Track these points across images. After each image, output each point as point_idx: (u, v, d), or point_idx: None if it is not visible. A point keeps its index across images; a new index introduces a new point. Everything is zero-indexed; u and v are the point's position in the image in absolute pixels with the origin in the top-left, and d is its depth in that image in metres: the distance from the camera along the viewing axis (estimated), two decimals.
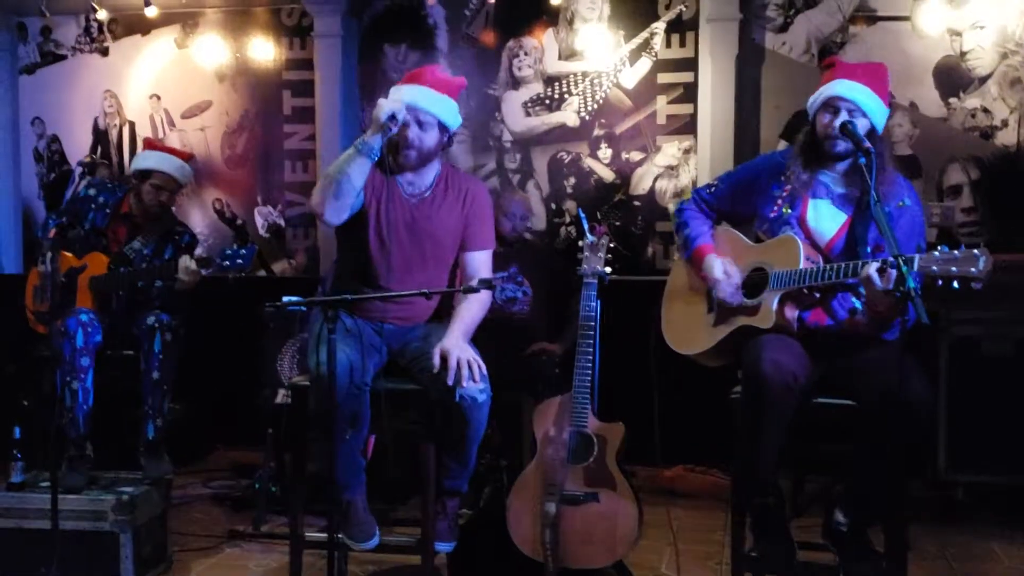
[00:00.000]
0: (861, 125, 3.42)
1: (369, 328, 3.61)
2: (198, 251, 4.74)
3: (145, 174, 4.69)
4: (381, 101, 3.48)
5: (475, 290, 3.36)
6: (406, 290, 3.59)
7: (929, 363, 4.59)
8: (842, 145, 3.42)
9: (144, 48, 6.31)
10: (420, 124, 3.60)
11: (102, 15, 5.93)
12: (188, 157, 4.93)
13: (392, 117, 3.44)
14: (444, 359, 3.40)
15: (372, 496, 3.68)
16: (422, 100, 3.59)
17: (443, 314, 3.79)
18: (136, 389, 4.44)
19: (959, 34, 5.31)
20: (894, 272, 3.10)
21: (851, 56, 5.35)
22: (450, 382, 3.37)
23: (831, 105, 3.44)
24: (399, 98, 3.52)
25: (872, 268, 3.16)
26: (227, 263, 4.24)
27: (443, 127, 3.65)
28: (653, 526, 4.16)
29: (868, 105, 3.44)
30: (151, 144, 5.04)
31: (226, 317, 5.65)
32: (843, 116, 3.41)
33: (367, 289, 3.62)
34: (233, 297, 5.78)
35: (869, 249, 3.40)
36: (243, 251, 4.30)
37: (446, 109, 3.63)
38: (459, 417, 3.48)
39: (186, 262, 4.36)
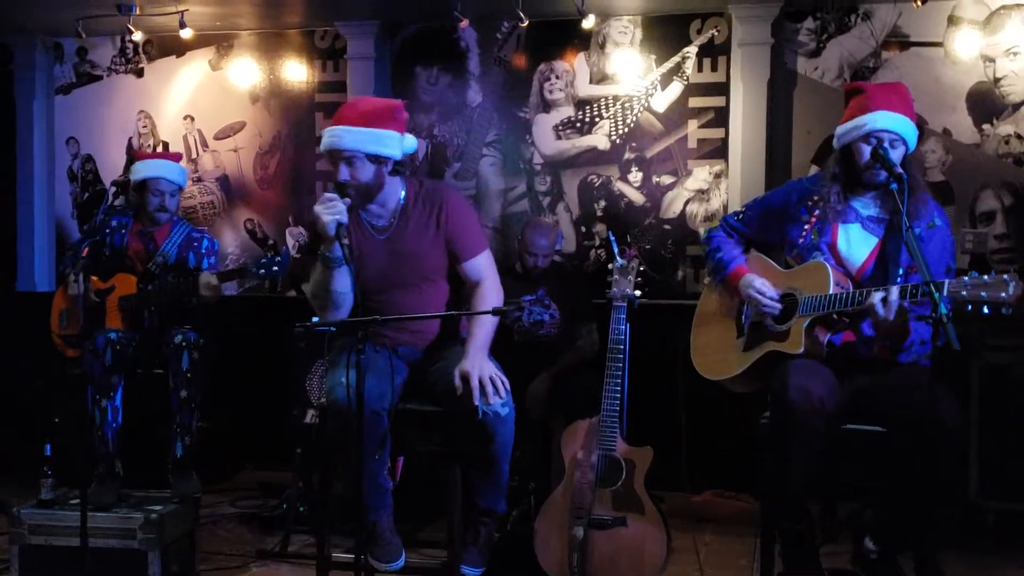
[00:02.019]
0: (899, 153, 3.42)
1: (387, 352, 3.60)
2: (230, 257, 4.82)
3: (141, 186, 4.77)
4: (316, 209, 3.42)
5: (502, 312, 3.36)
6: (414, 322, 3.60)
7: (960, 389, 4.55)
8: (883, 175, 3.40)
9: (179, 69, 6.37)
10: (348, 162, 3.53)
11: (138, 36, 5.99)
12: (177, 159, 5.01)
13: (339, 225, 3.37)
14: (465, 380, 3.40)
15: (398, 516, 3.68)
16: (342, 142, 3.51)
17: (452, 329, 3.77)
18: (165, 407, 4.47)
19: (992, 60, 5.28)
20: (896, 303, 3.11)
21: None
22: (476, 402, 3.36)
23: (875, 138, 3.43)
24: (329, 201, 3.42)
25: (876, 297, 3.16)
26: (262, 271, 4.31)
27: (376, 158, 3.54)
28: (681, 551, 4.14)
29: (908, 133, 3.44)
30: (139, 155, 5.14)
31: (256, 337, 5.69)
32: (884, 145, 3.40)
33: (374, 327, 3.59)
34: (263, 317, 5.84)
35: (901, 271, 3.39)
36: (278, 259, 4.38)
37: (372, 142, 3.51)
38: (485, 434, 3.46)
39: (206, 278, 4.43)
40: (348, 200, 3.45)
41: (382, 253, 3.66)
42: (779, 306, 3.50)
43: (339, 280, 3.48)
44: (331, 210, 3.39)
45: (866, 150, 3.43)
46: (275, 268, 4.39)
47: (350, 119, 3.54)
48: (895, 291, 3.15)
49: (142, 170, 4.82)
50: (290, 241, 6.25)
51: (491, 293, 3.66)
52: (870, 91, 3.54)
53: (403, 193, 3.69)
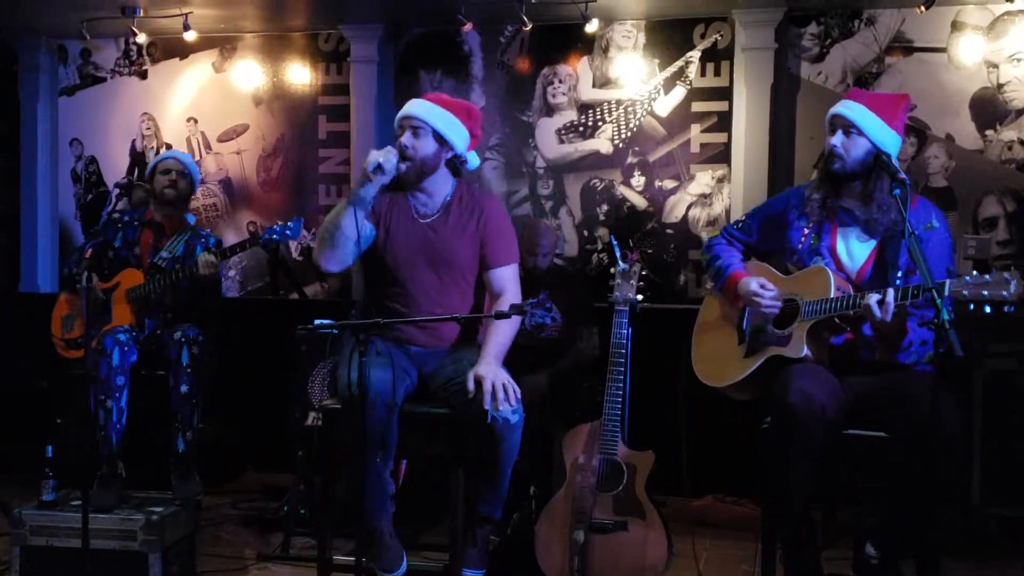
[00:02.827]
0: (859, 144, 3.43)
1: (398, 351, 3.63)
2: (232, 258, 4.89)
3: (152, 170, 4.83)
4: (371, 152, 3.56)
5: (507, 315, 3.37)
6: (429, 313, 3.62)
7: (963, 395, 4.54)
8: (839, 165, 3.43)
9: (182, 72, 6.38)
10: (413, 131, 3.66)
11: (142, 39, 5.99)
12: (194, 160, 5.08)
13: (378, 167, 3.50)
14: (479, 384, 3.41)
15: (400, 520, 3.68)
16: (415, 109, 3.69)
17: (470, 335, 3.80)
18: (167, 408, 4.47)
19: (996, 66, 5.28)
20: (891, 304, 3.12)
21: (886, 87, 5.34)
22: (486, 406, 3.37)
23: (830, 124, 3.47)
24: (387, 151, 3.56)
25: (872, 299, 3.16)
26: (275, 236, 4.37)
27: (440, 137, 3.67)
28: (682, 556, 4.12)
29: (865, 124, 3.43)
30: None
31: (258, 339, 5.69)
32: (838, 135, 3.43)
33: (392, 314, 3.64)
34: (265, 319, 5.85)
35: (900, 274, 3.39)
36: (291, 223, 4.50)
37: (442, 120, 3.67)
38: (493, 439, 3.47)
39: (205, 256, 4.48)
40: (404, 162, 3.59)
41: (419, 235, 3.72)
42: (779, 304, 3.50)
43: (348, 218, 3.56)
44: (383, 154, 3.53)
45: (829, 140, 3.46)
46: (288, 232, 4.46)
47: (429, 98, 3.74)
48: (891, 293, 3.16)
49: (155, 158, 4.96)
50: (292, 243, 6.25)
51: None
52: (853, 91, 3.61)
53: (451, 191, 3.78)
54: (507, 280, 3.75)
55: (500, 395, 3.38)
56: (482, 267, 3.74)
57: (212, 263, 4.51)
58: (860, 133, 3.44)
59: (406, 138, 3.66)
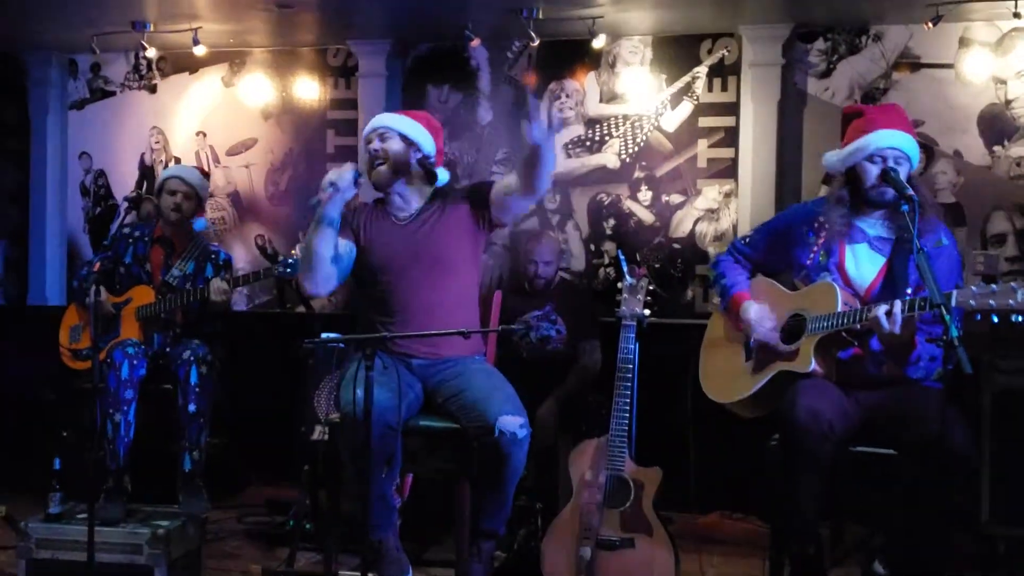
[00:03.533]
0: (904, 171, 3.42)
1: (401, 365, 3.62)
2: (240, 272, 4.86)
3: (160, 188, 4.83)
4: (329, 173, 3.62)
5: (512, 331, 3.37)
6: (426, 318, 3.62)
7: (972, 413, 4.52)
8: (891, 194, 3.41)
9: (192, 86, 6.40)
10: (380, 137, 3.75)
11: (151, 53, 6.01)
12: (204, 174, 5.06)
13: (332, 184, 3.54)
14: (488, 398, 3.43)
15: (405, 535, 3.67)
16: (377, 121, 3.81)
17: (472, 340, 3.77)
18: (173, 422, 4.48)
19: (1004, 82, 5.28)
20: (899, 316, 3.11)
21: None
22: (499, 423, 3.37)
23: (880, 156, 3.44)
24: (341, 168, 3.61)
25: (880, 311, 3.16)
26: (289, 270, 4.36)
27: (406, 138, 3.75)
28: (689, 573, 4.11)
29: (911, 150, 3.45)
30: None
31: (264, 352, 5.69)
32: (890, 164, 3.41)
33: (389, 324, 3.63)
34: (271, 333, 5.85)
35: (909, 290, 3.39)
36: (292, 260, 4.45)
37: (404, 124, 3.77)
38: (498, 454, 3.45)
39: (217, 283, 4.46)
40: (359, 173, 3.62)
41: (399, 235, 3.76)
42: (777, 337, 3.51)
43: (322, 239, 3.59)
44: (337, 172, 3.58)
45: (872, 170, 3.44)
46: (288, 269, 4.44)
47: (398, 112, 3.92)
48: (898, 304, 3.15)
49: (163, 173, 4.96)
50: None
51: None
52: (869, 113, 3.56)
53: (428, 198, 3.83)
54: (498, 186, 3.76)
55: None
56: (487, 207, 3.75)
57: (225, 291, 4.50)
58: (907, 160, 3.45)
59: (375, 144, 3.75)
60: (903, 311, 3.15)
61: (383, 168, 3.73)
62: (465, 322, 3.68)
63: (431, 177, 3.83)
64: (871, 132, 3.45)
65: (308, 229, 3.65)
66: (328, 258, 3.60)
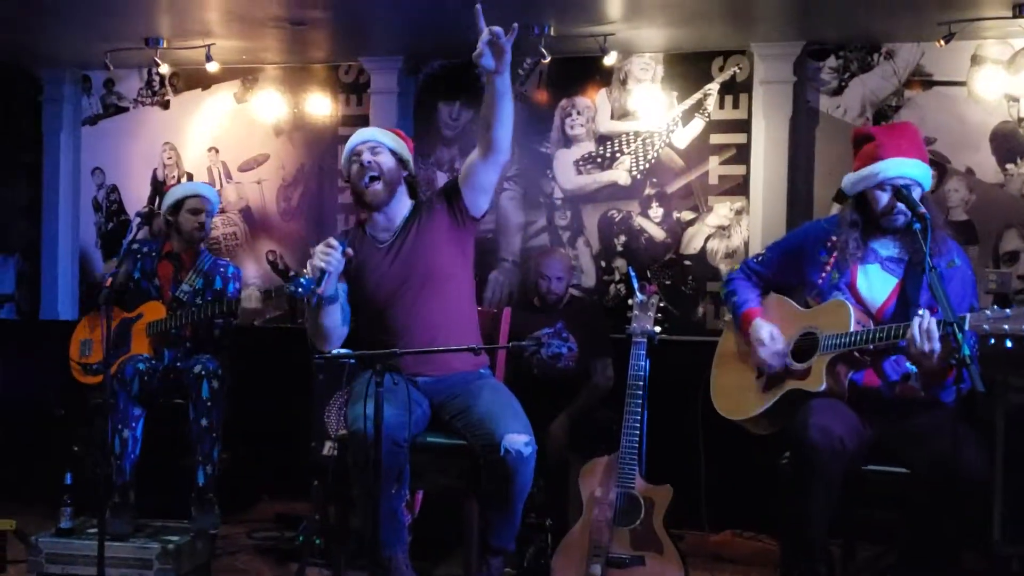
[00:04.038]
0: (915, 195, 3.42)
1: (408, 383, 3.60)
2: (254, 282, 4.85)
3: (178, 205, 4.80)
4: (313, 251, 3.49)
5: (522, 348, 3.37)
6: (428, 336, 3.59)
7: (985, 432, 4.50)
8: (903, 220, 3.41)
9: (204, 102, 6.43)
10: (371, 150, 3.71)
11: (164, 69, 6.04)
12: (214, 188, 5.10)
13: (323, 272, 3.42)
14: (492, 414, 3.42)
15: (415, 552, 3.66)
16: (365, 134, 3.77)
17: (475, 352, 3.76)
18: (184, 437, 4.48)
19: (1016, 100, 5.27)
20: (934, 332, 3.08)
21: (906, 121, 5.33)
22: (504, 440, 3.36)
23: (889, 184, 3.44)
24: (328, 248, 3.45)
25: (914, 326, 3.13)
26: (300, 290, 4.30)
27: (395, 153, 3.73)
28: None
29: (921, 176, 3.45)
30: (167, 186, 5.23)
31: (274, 367, 5.70)
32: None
33: (390, 343, 3.61)
34: (281, 348, 5.85)
35: (922, 311, 3.37)
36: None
37: (389, 138, 3.76)
38: (504, 471, 3.44)
39: (250, 290, 4.41)
40: (347, 248, 3.49)
41: (383, 259, 3.72)
42: (783, 361, 3.51)
43: (328, 318, 3.58)
44: (325, 257, 3.44)
45: (882, 197, 3.45)
46: (300, 289, 4.41)
47: (374, 126, 3.93)
48: (932, 319, 3.11)
49: (179, 191, 4.90)
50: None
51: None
52: (880, 137, 3.54)
53: (410, 211, 3.80)
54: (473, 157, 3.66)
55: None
56: (457, 193, 3.69)
57: (258, 298, 4.41)
58: (918, 185, 3.45)
59: (367, 156, 3.69)
60: (938, 328, 3.11)
61: (379, 187, 3.67)
62: (466, 332, 3.69)
63: (414, 195, 3.83)
64: (881, 159, 3.45)
65: (309, 312, 3.59)
66: (339, 325, 3.62)
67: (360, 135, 3.78)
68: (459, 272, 3.77)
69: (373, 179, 3.67)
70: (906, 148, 3.47)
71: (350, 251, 3.53)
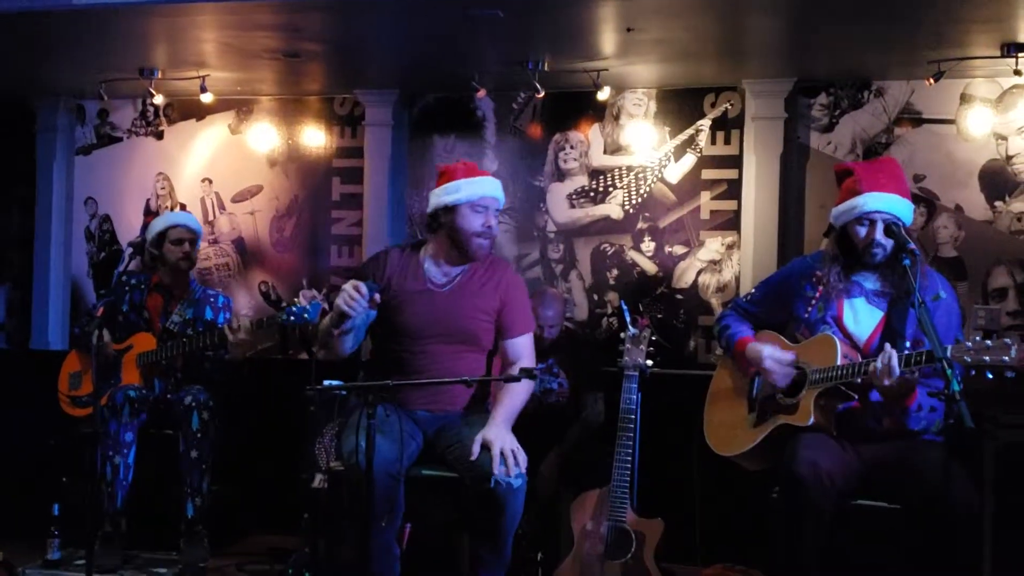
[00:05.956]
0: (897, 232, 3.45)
1: (404, 415, 3.61)
2: (246, 314, 4.84)
3: (161, 237, 4.81)
4: (343, 293, 3.52)
5: (516, 379, 3.37)
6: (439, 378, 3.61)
7: (975, 467, 4.50)
8: (882, 255, 3.44)
9: (198, 133, 6.45)
10: (495, 215, 3.77)
11: (159, 100, 6.06)
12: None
13: (343, 316, 3.51)
14: (486, 448, 3.39)
15: None
16: (499, 192, 3.80)
17: (480, 401, 3.78)
18: (174, 468, 4.46)
19: (1005, 138, 5.32)
20: (897, 368, 3.15)
21: (896, 158, 5.37)
22: (495, 471, 3.35)
23: (867, 219, 3.47)
24: (357, 294, 3.49)
25: (878, 363, 3.18)
26: (292, 318, 4.29)
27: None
28: None
29: (900, 211, 3.48)
30: (152, 216, 5.24)
31: (265, 399, 5.68)
32: (880, 227, 3.44)
33: (400, 378, 3.62)
34: (271, 379, 5.84)
35: (908, 344, 3.40)
36: (309, 307, 4.36)
37: (501, 199, 3.82)
38: (494, 504, 3.44)
39: (243, 321, 4.40)
40: (375, 295, 3.55)
41: (434, 305, 3.73)
42: (791, 371, 3.52)
43: (342, 343, 3.67)
44: (351, 302, 3.49)
45: (861, 231, 3.49)
46: (306, 316, 4.41)
47: (482, 175, 3.86)
48: (894, 355, 3.17)
49: (160, 223, 4.90)
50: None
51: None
52: (859, 173, 3.58)
53: (468, 266, 3.81)
54: (523, 348, 3.76)
55: (510, 460, 3.37)
56: (498, 336, 3.74)
57: (247, 329, 4.42)
58: (897, 220, 3.48)
59: (492, 219, 3.74)
60: (900, 363, 3.16)
61: (486, 245, 3.78)
62: (480, 386, 3.74)
63: None
64: (860, 194, 3.49)
65: (325, 326, 3.66)
66: (347, 348, 3.69)
67: (491, 189, 3.78)
68: (487, 342, 3.81)
69: (485, 240, 3.74)
70: (884, 182, 3.50)
71: (377, 298, 3.57)
